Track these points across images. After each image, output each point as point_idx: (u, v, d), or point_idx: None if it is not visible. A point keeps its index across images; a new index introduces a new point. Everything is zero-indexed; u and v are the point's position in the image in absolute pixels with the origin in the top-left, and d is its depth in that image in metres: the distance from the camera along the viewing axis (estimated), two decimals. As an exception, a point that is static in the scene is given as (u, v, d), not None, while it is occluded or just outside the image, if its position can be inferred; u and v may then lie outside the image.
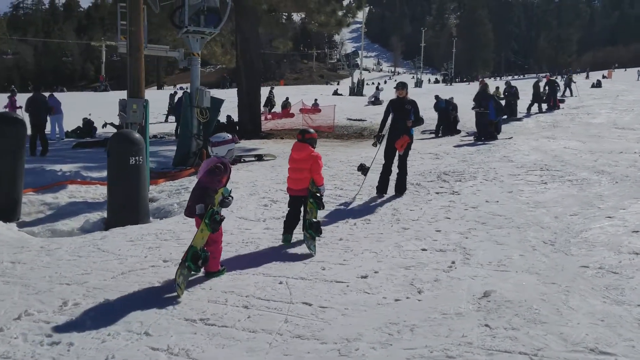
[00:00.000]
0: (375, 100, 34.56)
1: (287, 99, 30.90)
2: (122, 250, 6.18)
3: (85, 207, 9.57)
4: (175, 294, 4.73)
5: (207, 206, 5.03)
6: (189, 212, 5.21)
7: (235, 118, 22.81)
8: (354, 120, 27.36)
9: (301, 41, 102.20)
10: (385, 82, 74.56)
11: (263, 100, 30.33)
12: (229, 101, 30.77)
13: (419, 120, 9.03)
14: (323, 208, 6.65)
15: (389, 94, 41.14)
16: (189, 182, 11.17)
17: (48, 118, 16.11)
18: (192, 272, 5.05)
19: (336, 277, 5.19)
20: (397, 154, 8.91)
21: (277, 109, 31.51)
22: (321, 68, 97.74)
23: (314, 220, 6.29)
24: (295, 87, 53.74)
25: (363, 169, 9.03)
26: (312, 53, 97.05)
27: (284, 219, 6.65)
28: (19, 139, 8.74)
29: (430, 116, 21.87)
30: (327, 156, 14.23)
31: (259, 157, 15.11)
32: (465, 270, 5.27)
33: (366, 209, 8.14)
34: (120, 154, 8.17)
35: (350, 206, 8.46)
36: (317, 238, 6.28)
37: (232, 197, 5.20)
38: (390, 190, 9.01)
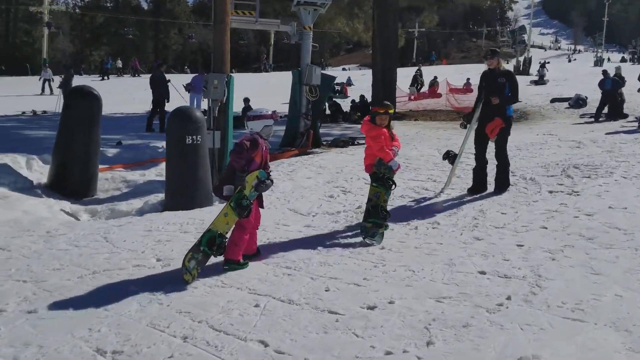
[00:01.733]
0: (540, 80, 30.91)
1: (435, 78, 28.80)
2: (127, 241, 5.40)
3: (160, 186, 9.15)
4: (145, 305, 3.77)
5: (236, 188, 4.55)
6: (218, 192, 4.77)
7: (370, 98, 21.55)
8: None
9: (471, 18, 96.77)
10: (570, 60, 67.47)
11: (406, 80, 28.75)
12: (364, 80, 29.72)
13: (514, 97, 7.06)
14: (394, 187, 5.72)
15: (558, 73, 36.83)
16: (288, 165, 10.29)
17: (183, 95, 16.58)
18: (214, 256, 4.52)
19: (334, 304, 3.85)
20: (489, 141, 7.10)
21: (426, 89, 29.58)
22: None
23: (378, 204, 5.45)
24: (454, 67, 50.67)
25: (449, 157, 7.35)
26: (482, 31, 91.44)
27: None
28: (92, 113, 8.47)
29: (593, 98, 18.76)
30: (448, 140, 12.49)
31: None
32: (518, 313, 3.60)
33: (446, 208, 6.52)
34: (176, 132, 7.49)
35: (429, 202, 6.89)
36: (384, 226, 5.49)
37: (272, 181, 4.69)
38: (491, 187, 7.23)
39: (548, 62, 41.16)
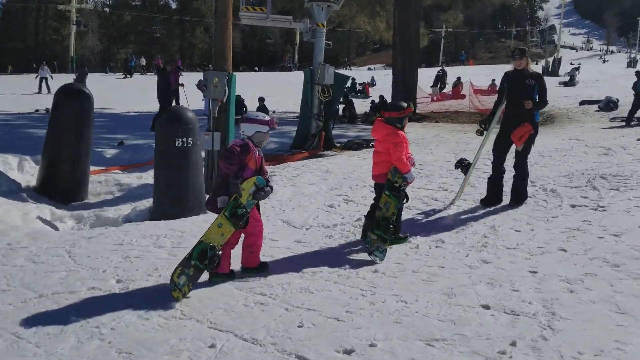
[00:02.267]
0: (570, 81, 29.75)
1: (459, 78, 27.92)
2: (91, 257, 4.87)
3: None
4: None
5: (230, 197, 4.25)
6: (211, 206, 4.41)
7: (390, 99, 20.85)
8: (535, 103, 23.59)
9: (500, 18, 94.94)
10: (604, 60, 65.55)
11: (429, 80, 27.96)
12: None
13: (543, 103, 6.36)
14: (406, 201, 5.31)
15: (589, 74, 35.49)
16: (294, 169, 9.72)
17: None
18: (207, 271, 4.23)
19: (304, 346, 3.25)
20: (512, 148, 6.41)
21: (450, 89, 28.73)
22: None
23: (387, 217, 4.96)
24: (480, 67, 49.47)
25: (462, 166, 6.69)
26: (511, 31, 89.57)
27: None
28: (82, 113, 8.01)
29: (625, 100, 17.80)
30: (467, 145, 11.78)
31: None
32: (523, 365, 2.96)
33: (455, 223, 5.86)
34: (165, 134, 6.96)
35: (437, 215, 6.24)
36: (392, 241, 5.03)
37: (271, 188, 4.41)
38: (506, 198, 6.55)
39: (579, 64, 39.68)
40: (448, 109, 23.32)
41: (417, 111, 21.15)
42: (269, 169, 10.32)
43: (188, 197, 6.97)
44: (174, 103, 15.02)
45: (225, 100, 8.67)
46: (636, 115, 15.39)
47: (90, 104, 8.05)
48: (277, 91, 26.37)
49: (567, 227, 5.47)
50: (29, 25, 70.07)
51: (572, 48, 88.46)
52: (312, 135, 12.51)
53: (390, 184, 5.11)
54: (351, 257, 4.88)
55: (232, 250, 4.43)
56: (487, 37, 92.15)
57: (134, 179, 9.08)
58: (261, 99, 17.40)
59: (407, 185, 5.20)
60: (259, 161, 4.44)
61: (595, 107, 19.53)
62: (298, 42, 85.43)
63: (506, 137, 6.34)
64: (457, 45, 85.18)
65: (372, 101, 22.16)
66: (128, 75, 39.50)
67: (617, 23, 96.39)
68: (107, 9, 75.41)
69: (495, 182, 6.54)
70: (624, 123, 15.35)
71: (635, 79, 16.02)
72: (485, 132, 6.58)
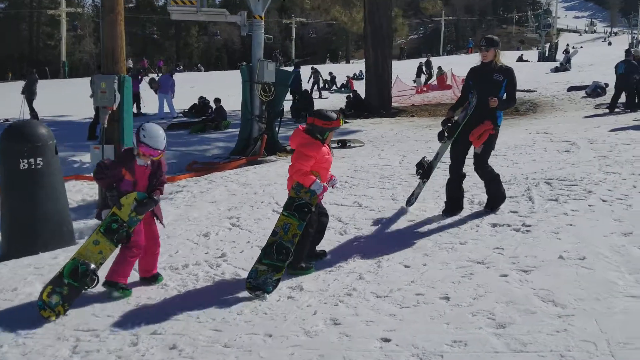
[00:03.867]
0: (560, 67, 28.26)
1: (440, 68, 26.57)
2: None
3: None
4: None
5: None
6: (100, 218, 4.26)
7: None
8: (522, 91, 22.17)
9: (500, 4, 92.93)
10: (610, 43, 63.58)
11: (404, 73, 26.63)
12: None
13: (511, 101, 5.42)
14: (309, 216, 4.27)
15: (586, 58, 33.81)
16: (209, 182, 8.56)
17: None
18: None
19: None
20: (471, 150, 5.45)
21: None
22: (522, 33, 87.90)
23: (283, 242, 4.11)
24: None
25: (423, 168, 5.78)
26: (512, 17, 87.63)
27: None
28: None
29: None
30: (425, 143, 10.56)
31: (343, 143, 11.99)
32: None
33: (341, 254, 4.66)
34: (7, 155, 5.81)
35: (337, 239, 5.05)
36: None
37: (154, 200, 4.19)
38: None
39: (574, 48, 38.06)
40: (431, 101, 22.06)
41: (395, 105, 19.94)
42: (194, 179, 9.27)
43: (43, 229, 5.81)
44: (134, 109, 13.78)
45: (115, 107, 7.53)
46: (621, 100, 14.05)
47: None
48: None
49: (470, 259, 4.27)
50: (22, 32, 69.55)
51: (575, 32, 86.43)
52: (254, 140, 11.34)
53: (292, 201, 4.25)
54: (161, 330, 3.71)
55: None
56: (489, 24, 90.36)
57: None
58: (217, 100, 16.28)
59: (318, 198, 4.33)
60: (143, 172, 4.18)
61: (583, 93, 18.18)
62: (294, 37, 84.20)
63: (465, 137, 5.33)
64: (457, 34, 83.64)
65: (348, 96, 20.88)
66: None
67: (620, 4, 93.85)
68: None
69: (453, 187, 5.57)
70: (608, 110, 14.03)
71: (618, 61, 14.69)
72: (446, 137, 5.51)
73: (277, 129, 11.89)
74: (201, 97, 18.95)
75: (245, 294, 3.95)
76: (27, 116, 16.39)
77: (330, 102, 22.71)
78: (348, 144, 12.01)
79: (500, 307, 3.40)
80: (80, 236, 6.77)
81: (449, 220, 5.34)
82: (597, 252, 4.11)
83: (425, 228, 5.19)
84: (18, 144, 5.73)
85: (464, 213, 5.50)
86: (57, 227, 5.95)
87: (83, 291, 3.97)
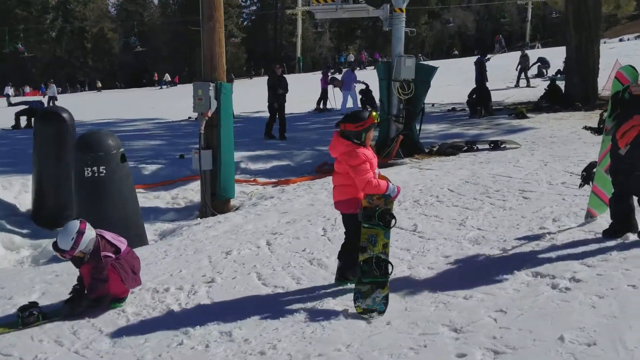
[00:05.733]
0: None
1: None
2: None
3: (161, 213, 8.35)
4: None
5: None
6: None
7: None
8: None
9: None
10: None
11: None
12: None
13: None
14: (394, 223, 4.05)
15: None
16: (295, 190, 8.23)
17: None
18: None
19: None
20: None
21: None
22: None
23: (377, 255, 3.91)
24: None
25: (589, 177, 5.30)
26: None
27: None
28: (58, 137, 7.74)
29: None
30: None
31: (496, 144, 10.56)
32: None
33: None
34: (75, 163, 6.27)
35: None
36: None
37: (85, 302, 4.29)
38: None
39: None
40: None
41: (602, 96, 16.89)
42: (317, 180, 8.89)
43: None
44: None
45: (209, 114, 7.64)
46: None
47: (66, 127, 7.73)
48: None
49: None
50: (269, 31, 76.98)
51: None
52: (390, 140, 10.63)
53: (369, 211, 3.99)
54: None
55: None
56: None
57: (143, 200, 8.57)
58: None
59: (392, 201, 4.10)
60: (85, 268, 4.36)
61: None
62: (530, 18, 77.87)
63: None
64: None
65: (549, 84, 18.19)
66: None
67: None
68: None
69: (618, 203, 4.70)
70: None
71: None
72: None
73: (418, 127, 10.98)
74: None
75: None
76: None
77: (531, 91, 20.26)
78: (502, 146, 10.53)
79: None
80: (163, 235, 7.09)
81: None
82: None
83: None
84: (83, 153, 6.18)
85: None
86: (123, 232, 6.24)
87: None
